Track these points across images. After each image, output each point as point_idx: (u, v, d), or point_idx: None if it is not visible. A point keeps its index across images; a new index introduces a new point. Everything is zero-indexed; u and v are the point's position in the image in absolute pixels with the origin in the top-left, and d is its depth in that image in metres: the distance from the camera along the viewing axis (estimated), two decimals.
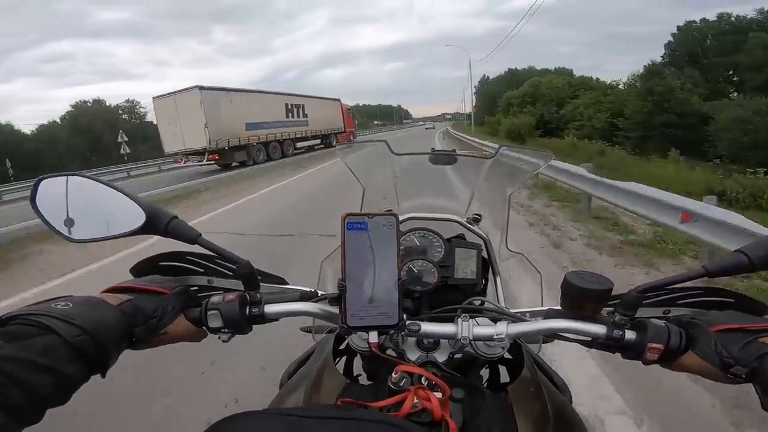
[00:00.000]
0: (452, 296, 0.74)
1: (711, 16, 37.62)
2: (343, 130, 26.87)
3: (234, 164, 17.00)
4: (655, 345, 0.48)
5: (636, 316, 0.52)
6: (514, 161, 0.88)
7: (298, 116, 21.83)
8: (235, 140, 16.62)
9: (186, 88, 15.41)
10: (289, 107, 21.04)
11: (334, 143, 25.31)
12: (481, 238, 0.82)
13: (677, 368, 0.50)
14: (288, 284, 0.66)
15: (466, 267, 0.76)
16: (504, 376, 0.70)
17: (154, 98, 16.18)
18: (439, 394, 0.46)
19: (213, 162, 16.16)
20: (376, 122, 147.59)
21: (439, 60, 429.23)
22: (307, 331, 0.80)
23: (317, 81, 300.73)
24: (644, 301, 0.53)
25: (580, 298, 0.51)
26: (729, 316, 0.48)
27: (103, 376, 0.44)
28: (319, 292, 0.63)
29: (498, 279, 0.79)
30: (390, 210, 0.87)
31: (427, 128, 72.53)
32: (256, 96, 18.85)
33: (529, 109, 38.29)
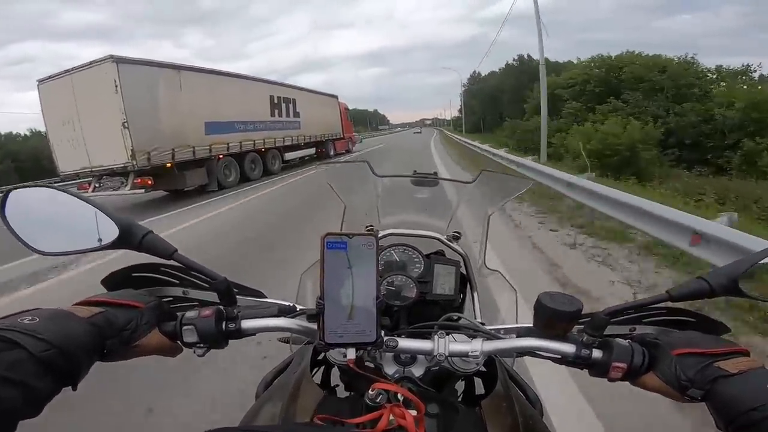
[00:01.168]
0: (430, 311, 0.76)
1: None
2: (341, 135, 20.65)
3: (187, 189, 10.41)
4: (619, 364, 0.51)
5: (604, 334, 0.55)
6: (495, 186, 0.94)
7: (288, 115, 15.05)
8: (186, 151, 9.89)
9: (92, 62, 8.55)
10: (276, 101, 14.18)
11: (332, 152, 18.74)
12: (460, 255, 0.85)
13: (640, 386, 0.52)
14: (266, 298, 0.66)
15: (444, 283, 0.78)
16: (479, 388, 0.72)
17: (38, 82, 9.20)
18: (414, 412, 0.47)
19: (144, 188, 9.26)
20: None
21: (419, 66, 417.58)
22: (284, 342, 0.79)
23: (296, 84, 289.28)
24: (612, 321, 0.55)
25: (551, 318, 0.53)
26: (689, 338, 0.50)
27: (74, 388, 0.44)
28: (298, 306, 0.63)
29: (475, 295, 0.80)
30: (371, 225, 0.90)
31: (415, 133, 71.60)
32: (223, 81, 11.64)
33: (619, 106, 20.42)
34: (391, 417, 0.46)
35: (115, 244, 0.52)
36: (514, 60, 51.36)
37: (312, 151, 17.24)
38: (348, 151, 21.88)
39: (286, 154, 14.90)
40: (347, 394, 0.68)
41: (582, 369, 0.55)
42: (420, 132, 74.78)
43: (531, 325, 0.59)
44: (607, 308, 0.54)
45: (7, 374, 0.36)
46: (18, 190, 0.52)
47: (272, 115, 13.95)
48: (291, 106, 15.14)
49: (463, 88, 59.40)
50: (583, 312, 0.53)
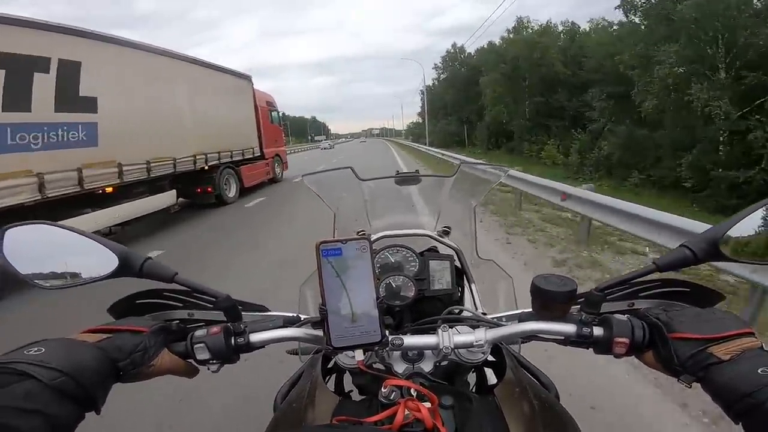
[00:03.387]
0: (431, 307, 0.77)
1: None
2: (260, 152, 10.59)
3: None
4: (621, 339, 0.51)
5: (602, 311, 0.56)
6: (474, 177, 0.96)
7: (65, 102, 4.68)
8: None
9: None
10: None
11: (233, 192, 8.69)
12: (453, 249, 0.86)
13: (643, 362, 0.53)
14: (269, 311, 0.66)
15: (441, 278, 0.80)
16: (491, 378, 0.72)
17: None
18: (428, 404, 0.48)
19: None
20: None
21: (369, 76, 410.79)
22: (293, 353, 0.80)
23: None
24: (608, 297, 0.57)
25: (548, 300, 0.54)
26: (688, 320, 0.49)
27: (98, 412, 0.44)
28: (302, 316, 0.63)
29: (473, 286, 0.81)
30: (362, 231, 0.93)
31: (361, 142, 69.28)
32: None
33: None
34: (407, 412, 0.47)
35: (116, 273, 0.53)
36: (508, 31, 29.51)
37: (164, 199, 6.75)
38: (273, 180, 11.76)
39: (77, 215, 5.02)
40: (362, 398, 0.66)
41: (587, 348, 0.56)
42: (365, 141, 70.83)
43: (528, 310, 0.60)
44: (600, 284, 0.55)
45: (23, 405, 0.37)
46: (14, 227, 0.52)
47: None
48: (74, 76, 4.84)
49: (424, 86, 42.65)
50: (578, 291, 0.55)
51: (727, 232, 0.50)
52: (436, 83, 49.09)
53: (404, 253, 0.82)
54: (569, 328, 0.55)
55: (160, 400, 2.08)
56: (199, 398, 2.09)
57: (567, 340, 0.56)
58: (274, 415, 0.68)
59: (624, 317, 0.53)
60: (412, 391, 0.49)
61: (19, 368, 0.39)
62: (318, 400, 0.59)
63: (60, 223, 0.53)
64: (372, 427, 0.46)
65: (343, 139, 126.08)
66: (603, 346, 0.53)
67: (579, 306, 0.56)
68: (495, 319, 0.64)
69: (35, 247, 0.52)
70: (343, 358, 0.61)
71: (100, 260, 0.53)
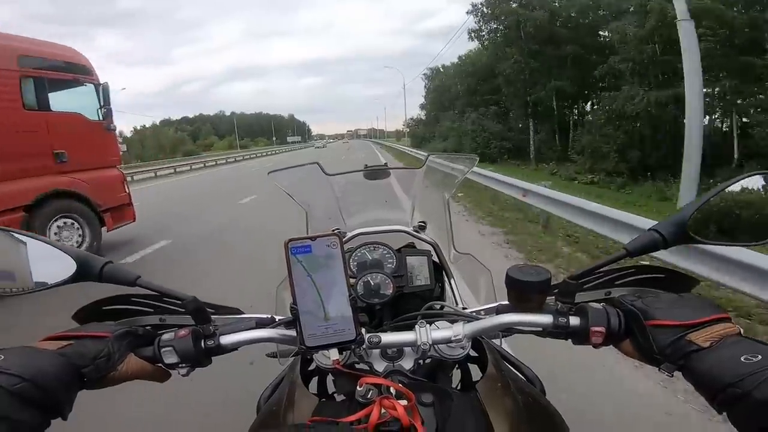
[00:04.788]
0: (411, 304, 0.76)
1: None
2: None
3: None
4: (597, 328, 0.51)
5: (578, 301, 0.55)
6: (444, 168, 0.94)
7: None
8: None
9: None
10: None
11: None
12: (430, 244, 0.86)
13: (622, 351, 0.52)
14: (243, 314, 0.65)
15: (419, 274, 0.79)
16: (476, 374, 0.70)
17: None
18: (404, 402, 0.47)
19: None
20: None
21: (355, 78, 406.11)
22: (272, 356, 0.76)
23: (225, 94, 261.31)
24: (584, 286, 0.57)
25: (523, 291, 0.54)
26: (664, 306, 0.49)
27: (64, 418, 0.44)
28: (277, 318, 0.62)
29: (452, 281, 0.81)
30: (337, 229, 0.90)
31: (344, 142, 66.07)
32: None
33: None
34: (383, 410, 0.46)
35: (74, 279, 0.52)
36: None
37: None
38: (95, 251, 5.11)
39: None
40: (342, 399, 0.66)
41: (565, 339, 0.55)
42: (324, 146, 65.72)
43: (505, 302, 0.60)
44: (573, 273, 0.55)
45: None
46: None
47: None
48: None
49: (426, 71, 39.74)
50: (553, 281, 0.54)
51: (694, 214, 0.50)
52: (442, 69, 39.48)
53: (381, 250, 0.81)
54: (546, 319, 0.54)
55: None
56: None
57: (545, 332, 0.56)
58: (257, 416, 0.68)
59: (599, 306, 0.53)
60: (391, 389, 0.49)
61: None
62: (298, 401, 0.58)
63: (12, 228, 0.52)
64: (346, 426, 0.45)
65: (328, 140, 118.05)
66: (580, 336, 0.53)
67: (554, 296, 0.56)
68: (473, 313, 0.63)
69: None
70: (320, 359, 0.60)
71: (57, 265, 0.51)
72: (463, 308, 0.68)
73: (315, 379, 0.72)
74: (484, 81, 26.08)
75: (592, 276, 0.57)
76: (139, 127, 64.26)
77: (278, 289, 0.76)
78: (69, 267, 0.51)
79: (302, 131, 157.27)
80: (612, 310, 0.52)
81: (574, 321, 0.53)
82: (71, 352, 0.47)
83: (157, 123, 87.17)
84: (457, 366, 0.70)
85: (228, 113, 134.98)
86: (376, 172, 0.94)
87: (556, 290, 0.56)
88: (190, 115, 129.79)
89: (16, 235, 0.51)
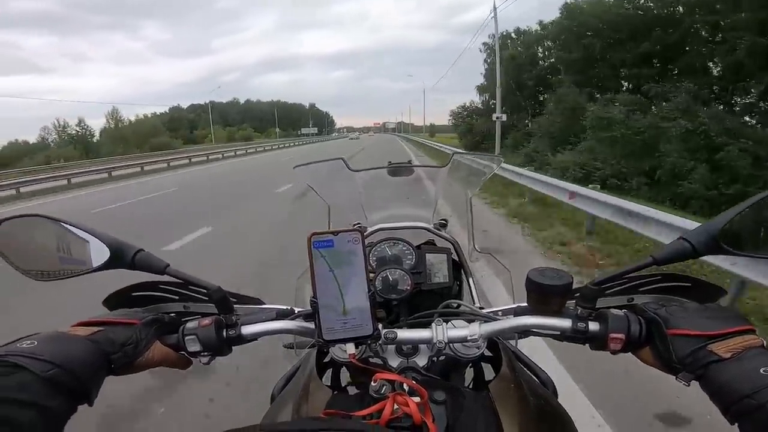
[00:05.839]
0: (429, 301, 0.76)
1: None
2: None
3: None
4: (616, 335, 0.50)
5: (600, 306, 0.54)
6: (469, 166, 0.94)
7: None
8: None
9: None
10: None
11: None
12: (450, 241, 0.85)
13: (640, 359, 0.52)
14: (264, 304, 0.66)
15: (438, 272, 0.79)
16: (489, 374, 0.71)
17: None
18: (417, 399, 0.47)
19: None
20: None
21: (385, 71, 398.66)
22: (289, 348, 0.78)
23: (259, 84, 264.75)
24: (606, 292, 0.57)
25: (543, 294, 0.54)
26: (687, 315, 0.48)
27: (90, 404, 0.45)
28: (296, 310, 0.63)
29: (471, 280, 0.81)
30: (358, 223, 0.93)
31: (360, 135, 60.94)
32: None
33: None
34: (396, 406, 0.46)
35: (108, 265, 0.53)
36: None
37: None
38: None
39: None
40: (356, 392, 0.67)
41: (582, 344, 0.55)
42: (369, 135, 61.93)
43: (523, 304, 0.59)
44: (596, 278, 0.54)
45: (17, 396, 0.37)
46: (9, 220, 0.53)
47: None
48: None
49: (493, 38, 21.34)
50: (575, 285, 0.54)
51: (727, 225, 0.49)
52: (517, 35, 27.33)
53: (401, 246, 0.81)
54: (564, 323, 0.54)
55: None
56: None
57: (562, 336, 0.55)
58: (270, 406, 0.69)
59: (621, 312, 0.52)
60: (404, 385, 0.49)
61: (12, 360, 0.40)
62: (312, 393, 0.59)
63: (52, 215, 0.54)
64: (359, 421, 0.46)
65: (358, 134, 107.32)
66: (598, 342, 0.52)
67: (575, 301, 0.56)
68: (491, 313, 0.63)
69: (28, 239, 0.53)
70: (337, 352, 0.61)
71: (93, 252, 0.53)
72: (480, 308, 0.68)
73: (329, 372, 0.73)
74: (630, 41, 16.03)
75: (615, 282, 0.57)
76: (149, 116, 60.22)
77: (298, 281, 0.77)
78: (103, 253, 0.53)
79: (321, 122, 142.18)
80: (633, 317, 0.51)
81: (593, 326, 0.53)
82: (101, 339, 0.48)
83: (167, 111, 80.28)
84: (470, 365, 0.70)
85: (243, 101, 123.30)
86: (399, 169, 0.94)
87: (577, 294, 0.55)
88: (220, 101, 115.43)
89: (53, 221, 0.53)
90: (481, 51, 28.88)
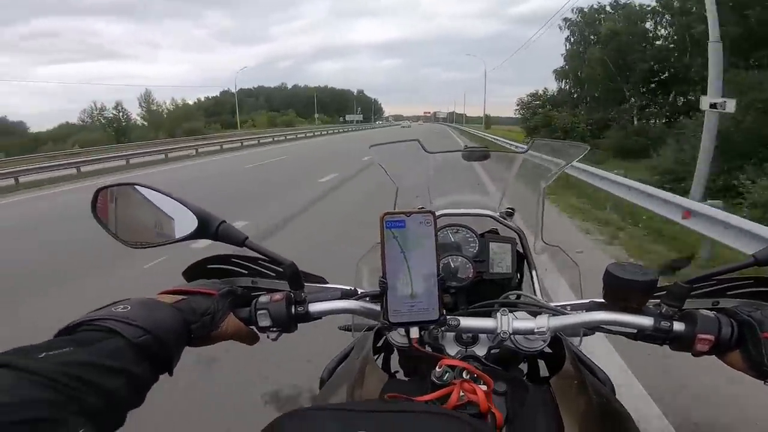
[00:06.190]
0: (488, 291, 0.75)
1: None
2: None
3: None
4: (705, 336, 0.48)
5: (685, 307, 0.52)
6: (547, 154, 0.88)
7: None
8: None
9: None
10: None
11: None
12: (515, 231, 0.84)
13: (726, 362, 0.50)
14: (327, 283, 0.67)
15: (501, 261, 0.78)
16: (543, 370, 0.70)
17: None
18: (484, 387, 0.47)
19: None
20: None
21: (436, 60, 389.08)
22: (345, 330, 0.79)
23: (312, 71, 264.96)
24: (692, 293, 0.53)
25: (624, 290, 0.52)
26: None
27: (171, 374, 0.45)
28: (359, 291, 0.63)
29: (534, 272, 0.79)
30: (422, 207, 0.88)
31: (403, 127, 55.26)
32: None
33: None
34: (461, 393, 0.46)
35: (194, 235, 0.54)
36: None
37: None
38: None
39: None
40: (408, 378, 0.67)
41: (661, 344, 0.53)
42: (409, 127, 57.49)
43: (597, 299, 0.58)
44: (687, 277, 0.52)
45: (110, 363, 0.38)
46: (106, 188, 0.56)
47: None
48: None
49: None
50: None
51: None
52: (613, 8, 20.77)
53: (464, 233, 0.81)
54: (645, 321, 0.52)
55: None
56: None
57: (640, 334, 0.53)
58: (323, 388, 0.72)
59: (710, 313, 0.50)
60: (465, 372, 0.48)
61: (107, 325, 0.40)
62: (367, 377, 0.59)
63: (147, 183, 0.56)
64: (427, 405, 0.45)
65: (409, 122, 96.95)
66: (683, 343, 0.50)
67: (657, 299, 0.53)
68: (558, 307, 0.60)
69: (123, 207, 0.56)
70: (395, 336, 0.59)
71: (181, 221, 0.54)
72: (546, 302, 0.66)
73: (380, 356, 0.72)
74: None
75: (706, 282, 0.54)
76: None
77: (360, 263, 0.77)
78: (191, 223, 0.54)
79: (368, 109, 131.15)
80: (725, 319, 0.49)
81: (678, 326, 0.51)
82: (185, 307, 0.49)
83: (218, 95, 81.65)
84: (525, 360, 0.68)
85: (290, 86, 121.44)
86: (475, 154, 0.92)
87: (662, 292, 0.53)
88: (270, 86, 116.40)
89: (145, 190, 0.55)
90: (561, 28, 22.61)
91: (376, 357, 0.69)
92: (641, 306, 0.52)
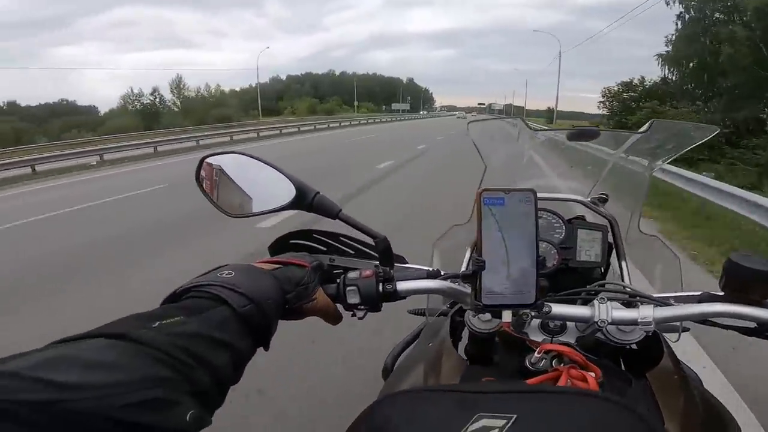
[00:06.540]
0: (572, 279, 0.72)
1: None
2: None
3: None
4: None
5: None
6: (667, 135, 0.81)
7: None
8: None
9: None
10: None
11: None
12: (607, 218, 0.80)
13: None
14: (407, 263, 0.65)
15: (589, 249, 0.75)
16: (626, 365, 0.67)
17: None
18: (592, 374, 0.45)
19: None
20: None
21: (493, 51, 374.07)
22: (417, 314, 0.78)
23: (365, 61, 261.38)
24: None
25: (749, 280, 0.48)
26: None
27: (266, 348, 0.44)
28: (442, 271, 0.62)
29: (624, 263, 0.75)
30: None
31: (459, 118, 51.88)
32: None
33: None
34: (569, 380, 0.45)
35: (291, 205, 0.55)
36: None
37: None
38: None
39: None
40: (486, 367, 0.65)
41: None
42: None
43: (703, 292, 0.55)
44: None
45: (217, 335, 0.36)
46: (210, 156, 0.56)
47: None
48: None
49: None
50: None
51: None
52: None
53: (550, 218, 0.78)
54: None
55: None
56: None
57: (760, 329, 0.50)
58: (393, 372, 0.70)
59: None
60: (563, 361, 0.47)
61: (214, 291, 0.39)
62: (444, 362, 0.58)
63: (250, 153, 0.56)
64: (540, 385, 0.44)
65: (463, 113, 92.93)
66: None
67: None
68: (662, 298, 0.57)
69: (225, 177, 0.57)
70: (474, 321, 0.58)
71: (280, 191, 0.54)
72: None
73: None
74: None
75: None
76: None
77: (435, 244, 0.76)
78: (289, 193, 0.54)
79: (417, 99, 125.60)
80: None
81: None
82: (281, 276, 0.48)
83: (268, 82, 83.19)
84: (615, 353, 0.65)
85: (338, 73, 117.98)
86: (582, 133, 0.84)
87: None
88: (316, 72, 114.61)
89: (246, 158, 0.56)
90: (668, 4, 18.33)
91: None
92: (764, 299, 0.49)
